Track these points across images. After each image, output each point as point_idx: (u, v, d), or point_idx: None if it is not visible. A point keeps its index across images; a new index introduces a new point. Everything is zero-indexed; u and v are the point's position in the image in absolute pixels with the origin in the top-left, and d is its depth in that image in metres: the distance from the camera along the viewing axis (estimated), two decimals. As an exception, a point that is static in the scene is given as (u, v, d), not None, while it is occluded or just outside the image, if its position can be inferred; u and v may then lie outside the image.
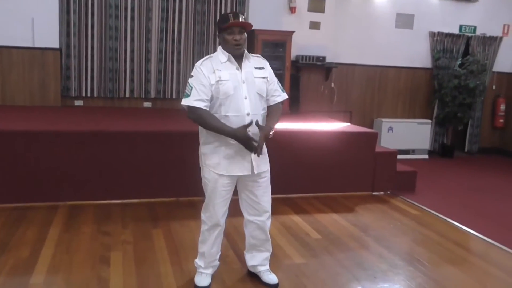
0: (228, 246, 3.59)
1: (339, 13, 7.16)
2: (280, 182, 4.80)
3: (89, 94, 6.29)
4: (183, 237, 3.74)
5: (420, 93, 7.97)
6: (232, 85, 2.71)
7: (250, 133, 2.68)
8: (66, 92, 6.20)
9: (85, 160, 4.42)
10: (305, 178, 5.06)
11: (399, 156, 5.61)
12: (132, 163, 4.55)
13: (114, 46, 6.30)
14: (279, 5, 6.81)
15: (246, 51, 2.82)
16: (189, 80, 2.75)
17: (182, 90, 6.50)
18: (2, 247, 3.37)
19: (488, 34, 7.98)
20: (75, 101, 6.29)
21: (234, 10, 6.61)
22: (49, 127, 4.58)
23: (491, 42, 8.03)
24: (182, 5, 6.47)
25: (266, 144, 2.87)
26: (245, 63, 2.80)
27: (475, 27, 7.97)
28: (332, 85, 7.30)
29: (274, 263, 3.23)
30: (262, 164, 2.83)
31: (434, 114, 8.01)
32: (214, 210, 2.83)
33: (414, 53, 7.77)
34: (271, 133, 2.74)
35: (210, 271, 2.99)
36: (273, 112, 2.88)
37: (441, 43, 7.80)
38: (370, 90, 7.67)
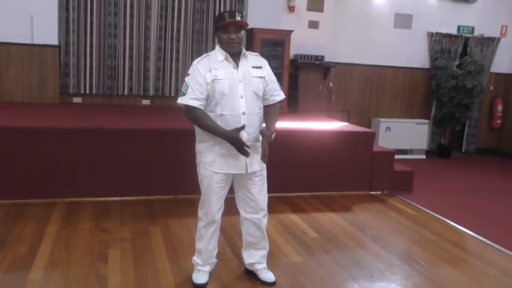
0: (226, 244, 3.60)
1: (338, 12, 7.18)
2: (278, 181, 4.83)
3: (87, 91, 6.29)
4: (181, 235, 3.76)
5: (418, 93, 8.00)
6: (228, 84, 2.72)
7: (245, 133, 2.71)
8: (65, 89, 6.20)
9: (83, 157, 4.43)
10: (303, 177, 5.07)
11: (396, 156, 5.62)
12: (130, 160, 4.55)
13: (113, 44, 6.30)
14: (278, 4, 6.81)
15: (244, 49, 2.83)
16: (186, 79, 2.77)
17: (180, 88, 6.50)
18: (0, 244, 3.38)
19: (486, 35, 8.01)
20: (74, 98, 6.29)
21: (233, 8, 6.62)
22: (47, 124, 4.58)
23: (489, 43, 8.06)
24: (181, 3, 6.48)
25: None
26: (242, 62, 2.80)
27: (473, 28, 8.00)
28: (331, 84, 7.32)
29: (272, 261, 3.25)
30: (256, 163, 2.84)
31: (432, 114, 8.03)
32: (210, 207, 2.86)
33: (412, 53, 7.80)
34: (272, 136, 2.75)
35: (207, 268, 3.01)
36: (272, 112, 2.90)
37: (439, 43, 7.83)
38: (368, 89, 7.69)
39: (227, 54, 2.76)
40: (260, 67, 2.86)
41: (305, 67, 7.07)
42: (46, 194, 4.35)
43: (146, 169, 4.59)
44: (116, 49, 6.32)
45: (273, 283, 3.01)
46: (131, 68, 6.42)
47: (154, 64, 6.51)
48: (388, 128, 7.49)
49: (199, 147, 2.86)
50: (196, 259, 3.01)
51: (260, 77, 2.83)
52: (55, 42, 6.03)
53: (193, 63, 2.80)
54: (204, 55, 2.83)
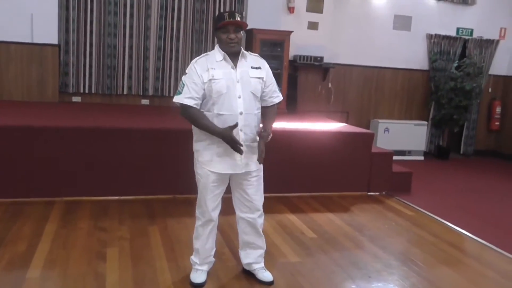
0: (224, 243, 3.61)
1: (337, 13, 7.19)
2: (276, 181, 4.86)
3: (87, 91, 6.29)
4: (179, 234, 3.76)
5: (417, 94, 8.01)
6: (225, 84, 2.73)
7: (242, 132, 2.72)
8: (64, 88, 6.20)
9: (82, 156, 4.43)
10: (301, 177, 5.08)
11: (395, 157, 5.64)
12: (129, 160, 4.56)
13: (112, 43, 6.30)
14: (278, 5, 6.82)
15: (243, 50, 2.83)
16: (183, 78, 2.79)
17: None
18: (-2, 242, 3.39)
19: (485, 37, 8.03)
20: (73, 97, 6.29)
21: (232, 9, 6.63)
22: (46, 123, 4.58)
23: (488, 45, 8.08)
24: (181, 3, 6.48)
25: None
26: (241, 62, 2.81)
27: (472, 30, 8.02)
28: (329, 85, 7.33)
29: (269, 261, 3.26)
30: (252, 163, 2.86)
31: (430, 116, 8.05)
32: (206, 206, 2.87)
33: (411, 55, 7.81)
34: (269, 138, 2.77)
35: (205, 267, 3.02)
36: (269, 113, 2.91)
37: (438, 45, 7.85)
38: (367, 91, 7.70)
39: (225, 54, 2.77)
40: (259, 68, 2.86)
41: (304, 68, 7.08)
42: (45, 193, 4.35)
43: (145, 169, 4.60)
44: (116, 49, 6.33)
45: (271, 283, 3.02)
46: (130, 68, 6.42)
47: (154, 63, 6.52)
48: (386, 129, 7.51)
49: (196, 146, 2.88)
50: (194, 258, 3.02)
51: (259, 77, 2.84)
52: (55, 41, 6.03)
53: (191, 62, 2.82)
54: (203, 55, 2.85)
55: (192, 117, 2.75)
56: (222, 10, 6.55)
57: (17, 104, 5.72)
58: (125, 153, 4.54)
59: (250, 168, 2.86)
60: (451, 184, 6.31)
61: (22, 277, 2.92)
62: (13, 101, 5.92)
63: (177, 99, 2.76)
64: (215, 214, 2.93)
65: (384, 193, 5.41)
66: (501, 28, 8.18)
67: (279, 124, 5.25)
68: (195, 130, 2.87)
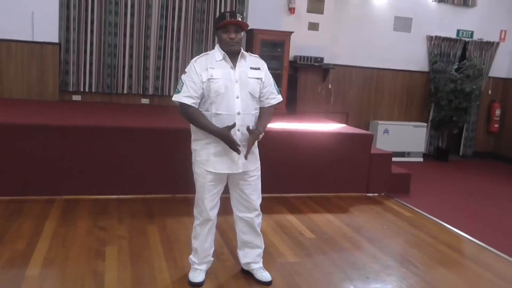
0: (223, 243, 3.62)
1: (338, 14, 7.20)
2: (275, 182, 4.88)
3: (87, 89, 6.30)
4: (178, 234, 3.77)
5: (416, 96, 8.02)
6: (223, 84, 2.74)
7: (239, 132, 2.74)
8: (64, 87, 6.21)
9: (82, 155, 4.44)
10: (300, 178, 5.09)
11: (394, 159, 5.65)
12: (128, 159, 4.57)
13: (113, 42, 6.31)
14: (279, 5, 6.83)
15: (243, 50, 2.85)
16: (182, 76, 2.81)
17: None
18: (-2, 240, 3.40)
19: (485, 39, 8.04)
20: (73, 96, 6.30)
21: (233, 9, 6.63)
22: (46, 121, 4.58)
23: (488, 47, 8.09)
24: (182, 2, 6.49)
25: (257, 144, 2.92)
26: (240, 63, 2.83)
27: (472, 32, 8.03)
28: (329, 86, 7.33)
29: (268, 261, 3.27)
30: (249, 163, 2.87)
31: (430, 118, 8.06)
32: (204, 205, 2.88)
33: (411, 56, 7.82)
34: (260, 136, 2.78)
35: (204, 267, 3.03)
36: (265, 113, 2.92)
37: (438, 47, 7.86)
38: (367, 92, 7.71)
39: (225, 54, 2.78)
40: (258, 69, 2.88)
41: (304, 69, 7.09)
42: (45, 191, 4.36)
43: (144, 168, 4.61)
44: (116, 48, 6.33)
45: (269, 283, 3.03)
46: (131, 67, 6.43)
47: (154, 63, 6.52)
48: (386, 131, 7.52)
49: (194, 145, 2.90)
50: (192, 257, 3.03)
51: (257, 78, 2.86)
52: (56, 40, 6.04)
53: (191, 61, 2.84)
54: (202, 54, 2.87)
55: (190, 116, 2.76)
56: (222, 10, 6.56)
57: (17, 102, 5.72)
58: (124, 152, 4.55)
59: (248, 168, 2.87)
60: (450, 186, 6.32)
61: (21, 275, 2.92)
62: (13, 99, 5.92)
63: (176, 97, 2.77)
64: (213, 213, 2.94)
65: (383, 194, 5.42)
66: (501, 31, 8.19)
67: (279, 125, 5.27)
68: (193, 129, 2.89)
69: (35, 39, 5.94)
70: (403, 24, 7.68)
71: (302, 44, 6.92)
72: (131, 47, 6.38)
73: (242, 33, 2.81)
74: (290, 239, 3.88)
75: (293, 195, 5.05)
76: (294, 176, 5.07)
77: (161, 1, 6.41)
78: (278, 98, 2.98)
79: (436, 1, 7.74)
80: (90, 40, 6.20)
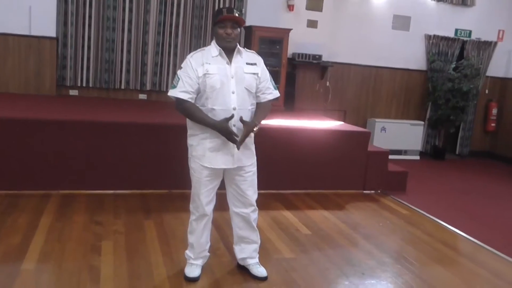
0: (219, 239, 3.63)
1: (337, 12, 7.20)
2: (272, 178, 4.88)
3: (84, 84, 6.28)
4: (174, 229, 3.77)
5: (414, 94, 8.04)
6: (219, 79, 2.75)
7: (234, 128, 2.74)
8: (62, 82, 6.19)
9: (78, 150, 4.43)
10: (297, 174, 5.10)
11: (391, 156, 5.66)
12: (125, 154, 4.56)
13: (111, 37, 6.29)
14: (277, 2, 6.82)
15: (238, 46, 2.85)
16: (178, 72, 2.81)
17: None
18: (-7, 233, 3.39)
19: (483, 39, 8.05)
20: (70, 91, 6.28)
21: (232, 5, 6.62)
22: (43, 115, 4.58)
23: (486, 47, 8.10)
24: (181, -2, 6.48)
25: (254, 140, 2.93)
26: (236, 58, 2.83)
27: (470, 32, 8.04)
28: (327, 83, 7.34)
29: (264, 257, 3.27)
30: (244, 158, 2.88)
31: (427, 116, 8.08)
32: (200, 200, 2.89)
33: (410, 55, 7.83)
34: (255, 129, 2.78)
35: (200, 262, 3.03)
36: (261, 108, 2.92)
37: (437, 46, 7.87)
38: (364, 90, 7.72)
39: (221, 49, 2.78)
40: (254, 64, 2.88)
41: (303, 66, 7.09)
42: (41, 185, 4.35)
43: (141, 163, 4.60)
44: (114, 43, 6.32)
45: (265, 278, 3.03)
46: (128, 62, 6.42)
47: (152, 58, 6.51)
48: (383, 129, 7.53)
49: (190, 140, 2.90)
50: (188, 253, 3.03)
51: (253, 73, 2.85)
52: (53, 34, 6.02)
53: (187, 56, 2.84)
54: (199, 50, 2.87)
55: (187, 110, 2.77)
56: (221, 7, 6.55)
57: (14, 97, 5.70)
58: (121, 147, 4.55)
59: (243, 163, 2.87)
60: (446, 184, 6.34)
61: (17, 269, 2.92)
62: (10, 93, 5.90)
63: (171, 93, 2.78)
64: (209, 208, 2.94)
65: (379, 191, 5.44)
66: (499, 30, 8.20)
67: (277, 122, 5.28)
68: (189, 125, 2.89)
69: (33, 33, 5.92)
70: (401, 22, 7.69)
71: (300, 42, 6.92)
72: (129, 42, 6.37)
73: (238, 29, 2.81)
74: (286, 235, 3.88)
75: (290, 191, 5.06)
76: (291, 173, 5.07)
77: (160, -4, 6.40)
78: (275, 93, 2.98)
79: (435, 0, 7.75)
80: (88, 34, 6.18)
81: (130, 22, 6.33)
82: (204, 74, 2.73)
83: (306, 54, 6.90)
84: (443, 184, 6.32)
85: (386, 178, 5.47)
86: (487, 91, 8.36)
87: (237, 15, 2.76)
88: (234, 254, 3.17)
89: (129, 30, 6.34)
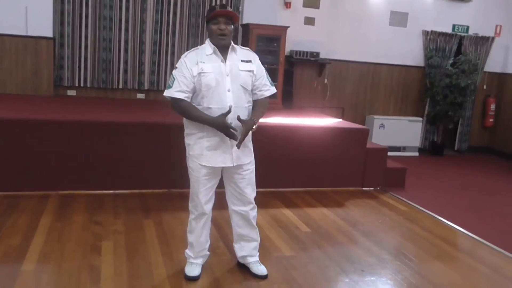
0: (219, 237, 3.63)
1: (334, 9, 7.19)
2: (271, 176, 4.89)
3: (82, 84, 6.27)
4: (174, 228, 3.78)
5: (412, 91, 8.04)
6: (214, 78, 2.74)
7: (232, 124, 2.73)
8: (59, 82, 6.18)
9: (77, 150, 4.43)
10: (296, 172, 5.10)
11: (389, 153, 5.67)
12: (124, 154, 4.56)
13: (108, 37, 6.28)
14: (275, 0, 6.81)
15: (232, 43, 2.85)
16: (173, 72, 2.81)
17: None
18: (-7, 235, 3.39)
19: (480, 34, 8.06)
20: (68, 91, 6.27)
21: (229, 3, 6.61)
22: (41, 116, 4.57)
23: (483, 42, 8.11)
24: (177, -3, 6.47)
25: (252, 137, 2.93)
26: (231, 56, 2.82)
27: (467, 27, 8.04)
28: (325, 81, 7.34)
29: (264, 255, 3.28)
30: (243, 156, 2.88)
31: (425, 112, 8.08)
32: (198, 199, 2.89)
33: (407, 51, 7.83)
34: (254, 126, 2.78)
35: (200, 261, 3.03)
36: (258, 105, 2.92)
37: (434, 42, 7.87)
38: (363, 86, 7.72)
39: (215, 47, 2.78)
40: (249, 61, 2.87)
41: (300, 63, 7.09)
42: (40, 186, 4.35)
43: (140, 163, 4.60)
44: (111, 42, 6.31)
45: (265, 277, 3.04)
46: (126, 62, 6.41)
47: (149, 58, 6.50)
48: (382, 125, 7.53)
49: (188, 140, 2.90)
50: (188, 252, 3.04)
51: (249, 71, 2.85)
52: (50, 34, 6.00)
53: (182, 56, 2.84)
54: (193, 49, 2.87)
55: (183, 109, 2.76)
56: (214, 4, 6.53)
57: (11, 97, 5.69)
58: (120, 147, 4.54)
59: (241, 161, 2.87)
60: (445, 180, 6.35)
61: (17, 270, 2.92)
62: (7, 94, 5.89)
63: (167, 93, 2.77)
64: (208, 207, 2.94)
65: (378, 188, 5.44)
66: (496, 26, 8.20)
67: (275, 119, 5.28)
68: (186, 124, 2.89)
69: (29, 34, 5.90)
70: (399, 19, 7.68)
71: (298, 39, 6.91)
72: (126, 41, 6.36)
73: (232, 25, 2.81)
74: (286, 233, 3.89)
75: (289, 189, 5.06)
76: (290, 171, 5.07)
77: (156, -5, 6.39)
78: (272, 90, 2.97)
79: (432, -4, 7.75)
80: (85, 34, 6.17)
81: (127, 21, 6.32)
82: (199, 73, 2.73)
83: (303, 52, 6.90)
84: (442, 180, 6.33)
85: (385, 175, 5.48)
86: (485, 87, 8.36)
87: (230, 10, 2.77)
88: (234, 253, 3.17)
89: (126, 29, 6.33)
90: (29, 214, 3.84)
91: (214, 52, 2.79)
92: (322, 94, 7.38)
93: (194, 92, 2.78)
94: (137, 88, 6.52)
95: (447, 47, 7.92)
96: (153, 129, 4.64)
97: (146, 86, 6.54)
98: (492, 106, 8.37)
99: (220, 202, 3.10)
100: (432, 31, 7.81)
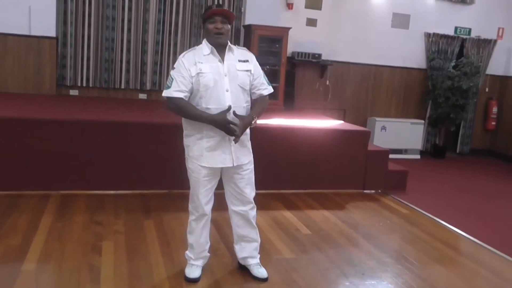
0: (219, 239, 3.63)
1: (336, 10, 7.19)
2: (272, 178, 4.89)
3: (84, 84, 6.28)
4: (174, 229, 3.77)
5: (414, 93, 8.03)
6: (212, 78, 2.74)
7: (231, 126, 2.72)
8: (62, 81, 6.19)
9: (78, 150, 4.43)
10: (297, 174, 5.09)
11: (391, 155, 5.66)
12: (125, 154, 4.56)
13: (110, 36, 6.29)
14: (277, 1, 6.81)
15: (229, 43, 2.85)
16: (171, 72, 2.81)
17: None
18: (-6, 234, 3.39)
19: (482, 37, 8.04)
20: (70, 91, 6.28)
21: (232, 4, 6.60)
22: (43, 115, 4.57)
23: (486, 45, 8.09)
24: (180, -3, 6.47)
25: (253, 138, 2.92)
26: (228, 56, 2.82)
27: (470, 29, 8.03)
28: (327, 82, 7.33)
29: (264, 257, 3.27)
30: (242, 156, 2.88)
31: (427, 115, 8.07)
32: (199, 200, 2.89)
33: (409, 53, 7.82)
34: (253, 122, 2.78)
35: (200, 262, 3.03)
36: (258, 102, 2.93)
37: (436, 44, 7.86)
38: (364, 88, 7.71)
39: (213, 47, 2.78)
40: (247, 61, 2.88)
41: (302, 65, 7.08)
42: (41, 186, 4.35)
43: (141, 163, 4.60)
44: (114, 42, 6.31)
45: (265, 279, 3.03)
46: (128, 62, 6.41)
47: (152, 58, 6.50)
48: (383, 128, 7.52)
49: (186, 141, 2.90)
50: (188, 253, 3.03)
51: (246, 70, 2.85)
52: (53, 34, 6.01)
53: (179, 56, 2.84)
54: (190, 49, 2.88)
55: (182, 108, 2.75)
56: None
57: (13, 96, 5.70)
58: (121, 147, 4.54)
59: (241, 161, 2.87)
60: (447, 183, 6.34)
61: (17, 270, 2.92)
62: (9, 93, 5.89)
63: (166, 93, 2.77)
64: (208, 208, 2.94)
65: (379, 191, 5.44)
66: (499, 28, 8.19)
67: (276, 121, 5.27)
68: (184, 125, 2.89)
69: (32, 33, 5.91)
70: (401, 20, 7.68)
71: (300, 40, 6.91)
72: (128, 41, 6.36)
73: (229, 25, 2.81)
74: (286, 235, 3.88)
75: (290, 191, 5.06)
76: (291, 173, 5.07)
77: (159, -5, 6.39)
78: (269, 89, 2.98)
79: (435, -2, 7.74)
80: (87, 34, 6.17)
81: (129, 21, 6.32)
82: (198, 73, 2.73)
83: (305, 53, 6.89)
84: (443, 183, 6.32)
85: (386, 177, 5.47)
86: (487, 89, 8.35)
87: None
88: (235, 254, 3.17)
89: (129, 29, 6.33)
90: (30, 213, 3.84)
91: (212, 52, 2.79)
92: (323, 96, 7.37)
93: (191, 92, 2.78)
94: (139, 88, 6.52)
95: (449, 49, 7.91)
96: (154, 130, 4.64)
97: (148, 86, 6.54)
98: (494, 109, 8.36)
99: (222, 204, 3.10)
100: (434, 33, 7.80)
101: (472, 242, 4.14)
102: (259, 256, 3.13)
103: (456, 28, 7.98)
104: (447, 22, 7.89)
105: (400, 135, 7.61)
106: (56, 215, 3.85)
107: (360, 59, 7.54)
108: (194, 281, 2.95)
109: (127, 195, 4.51)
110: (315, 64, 7.09)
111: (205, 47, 2.81)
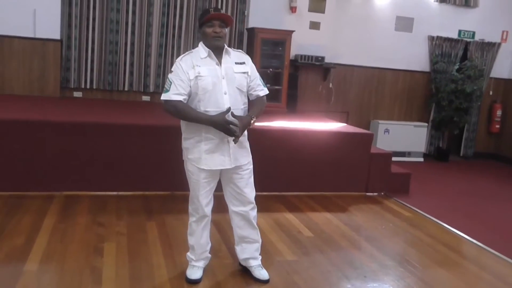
0: (221, 240, 3.63)
1: (339, 14, 7.20)
2: (275, 180, 4.89)
3: (88, 86, 6.31)
4: (176, 231, 3.78)
5: (417, 96, 8.01)
6: (211, 81, 2.75)
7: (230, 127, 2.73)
8: (66, 83, 6.22)
9: (82, 151, 4.45)
10: (299, 176, 5.09)
11: (394, 158, 5.65)
12: (128, 155, 4.58)
13: (114, 39, 6.32)
14: (280, 4, 6.83)
15: (226, 46, 2.86)
16: (169, 76, 2.81)
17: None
18: (-3, 235, 3.41)
19: (486, 40, 8.03)
20: (74, 93, 6.31)
21: (235, 8, 6.63)
22: (47, 117, 4.60)
23: (490, 48, 8.07)
24: (183, 0, 6.49)
25: (255, 141, 2.92)
26: (225, 58, 2.84)
27: (474, 33, 8.01)
28: (330, 85, 7.33)
29: (266, 259, 3.27)
30: (240, 157, 2.88)
31: (431, 118, 8.05)
32: (199, 202, 2.90)
33: (413, 56, 7.81)
34: (252, 121, 2.78)
35: (201, 264, 3.03)
36: (256, 102, 2.94)
37: (440, 47, 7.85)
38: (367, 91, 7.71)
39: (210, 51, 2.79)
40: (243, 63, 2.89)
41: (305, 68, 7.09)
42: (44, 187, 4.37)
43: (144, 165, 4.62)
44: (118, 45, 6.34)
45: (267, 281, 3.03)
46: (132, 64, 6.44)
47: (155, 60, 6.53)
48: (386, 130, 7.51)
49: (185, 144, 2.91)
50: (190, 255, 3.04)
51: (243, 72, 2.87)
52: (57, 37, 6.05)
53: (176, 60, 2.84)
54: (187, 52, 2.88)
55: (181, 111, 2.76)
56: (224, 9, 6.56)
57: (18, 98, 5.73)
58: (124, 149, 4.56)
59: (239, 162, 2.88)
60: (450, 186, 6.31)
61: (19, 270, 2.93)
62: (14, 95, 5.93)
63: (165, 96, 2.78)
64: (208, 209, 2.95)
65: (382, 194, 5.42)
66: (503, 31, 8.17)
67: (279, 123, 5.28)
68: (183, 128, 2.90)
69: (37, 36, 5.95)
70: (404, 24, 7.67)
71: (303, 43, 6.92)
72: (132, 44, 6.39)
73: (226, 29, 2.82)
74: (288, 237, 3.88)
75: (292, 193, 5.05)
76: (294, 175, 5.07)
77: (163, -2, 6.42)
78: (265, 91, 3.00)
79: (438, 1, 7.72)
80: (91, 37, 6.21)
81: (133, 24, 6.35)
82: (196, 77, 2.74)
83: (308, 56, 6.90)
84: (446, 186, 6.30)
85: (389, 180, 5.46)
86: (491, 93, 8.33)
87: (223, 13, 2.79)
88: (236, 256, 3.17)
89: (132, 32, 6.36)
90: (33, 214, 3.86)
91: (209, 55, 2.80)
92: (326, 98, 7.37)
93: (189, 96, 2.79)
94: (142, 90, 6.54)
95: (452, 53, 7.89)
96: (157, 132, 4.65)
97: (151, 88, 6.57)
98: (498, 112, 8.33)
99: (222, 205, 3.10)
100: (437, 37, 7.79)
101: (476, 245, 4.12)
102: (260, 257, 3.13)
103: (460, 31, 7.96)
104: (450, 25, 7.88)
105: (403, 138, 7.59)
106: (59, 216, 3.87)
107: (363, 62, 7.53)
108: (195, 282, 2.96)
109: (129, 196, 4.53)
110: (318, 67, 7.09)
111: (202, 50, 2.82)
